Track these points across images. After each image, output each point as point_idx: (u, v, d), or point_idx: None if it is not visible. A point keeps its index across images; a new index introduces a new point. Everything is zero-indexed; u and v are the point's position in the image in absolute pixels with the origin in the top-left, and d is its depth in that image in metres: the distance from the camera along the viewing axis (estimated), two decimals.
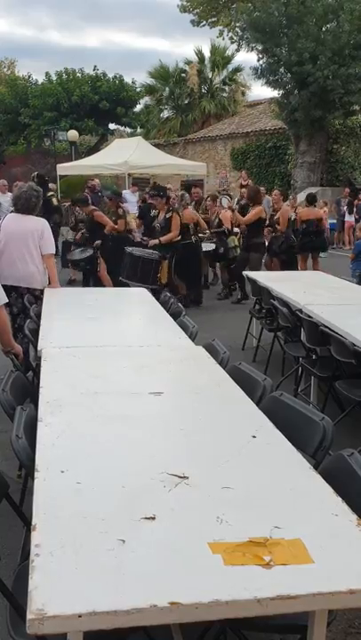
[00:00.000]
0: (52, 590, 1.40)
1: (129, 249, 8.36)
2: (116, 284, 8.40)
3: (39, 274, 5.25)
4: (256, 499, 1.88)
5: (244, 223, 9.15)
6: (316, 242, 10.66)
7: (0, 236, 5.10)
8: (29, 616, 1.33)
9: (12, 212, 5.60)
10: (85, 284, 8.94)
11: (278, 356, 5.92)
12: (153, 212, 10.24)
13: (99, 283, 8.64)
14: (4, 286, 5.03)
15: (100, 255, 8.73)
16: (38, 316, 4.43)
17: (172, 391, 2.90)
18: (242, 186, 15.34)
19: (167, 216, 8.38)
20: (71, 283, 10.02)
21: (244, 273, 7.44)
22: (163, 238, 8.24)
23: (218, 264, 10.43)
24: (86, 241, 9.10)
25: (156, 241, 8.28)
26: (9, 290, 5.04)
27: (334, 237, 17.03)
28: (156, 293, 7.50)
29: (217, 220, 10.01)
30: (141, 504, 1.79)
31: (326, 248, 11.88)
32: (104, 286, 8.38)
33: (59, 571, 1.47)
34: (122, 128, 30.76)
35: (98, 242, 8.77)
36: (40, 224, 5.25)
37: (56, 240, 6.95)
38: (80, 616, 1.34)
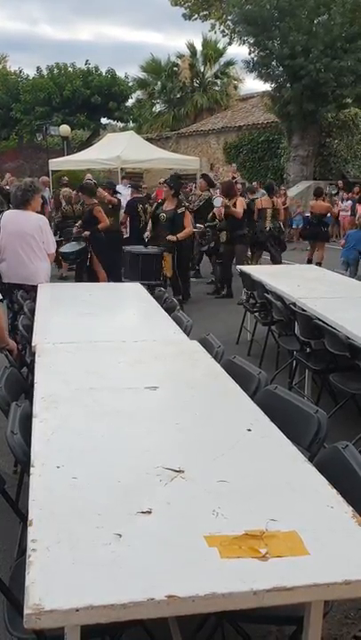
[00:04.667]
0: (49, 585, 1.40)
1: (127, 248, 8.30)
2: (110, 279, 8.38)
3: (44, 271, 5.27)
4: (252, 492, 1.88)
5: (240, 216, 9.19)
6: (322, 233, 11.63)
7: (0, 234, 5.11)
8: (26, 611, 1.33)
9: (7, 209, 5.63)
10: (78, 279, 8.86)
11: (273, 350, 5.94)
12: (140, 206, 10.22)
13: (93, 277, 8.57)
14: (9, 284, 5.07)
15: (91, 249, 8.67)
16: (32, 311, 4.42)
17: (167, 386, 2.90)
18: (232, 178, 15.33)
19: (178, 211, 8.24)
20: (62, 279, 10.00)
21: (238, 267, 7.43)
22: (180, 235, 8.08)
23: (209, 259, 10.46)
24: (81, 235, 9.05)
25: (174, 238, 8.08)
26: (13, 288, 5.07)
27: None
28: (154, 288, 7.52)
29: (210, 215, 10.00)
30: (137, 498, 1.79)
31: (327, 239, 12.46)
32: (98, 281, 8.33)
33: (55, 565, 1.48)
34: (114, 122, 30.61)
35: (87, 232, 8.71)
36: (40, 221, 5.27)
37: None
38: (77, 610, 1.34)
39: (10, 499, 2.41)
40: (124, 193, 14.23)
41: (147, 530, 1.64)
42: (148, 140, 22.15)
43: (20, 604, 1.56)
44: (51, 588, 1.39)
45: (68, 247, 8.81)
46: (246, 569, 1.50)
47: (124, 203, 12.36)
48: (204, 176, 11.36)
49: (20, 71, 30.21)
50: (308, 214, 11.94)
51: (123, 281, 7.99)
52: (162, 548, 1.57)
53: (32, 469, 1.97)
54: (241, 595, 1.42)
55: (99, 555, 1.53)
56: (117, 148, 16.88)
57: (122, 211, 10.28)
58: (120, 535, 1.60)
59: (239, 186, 12.21)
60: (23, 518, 2.26)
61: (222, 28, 24.76)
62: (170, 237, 8.13)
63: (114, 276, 8.60)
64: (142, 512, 1.72)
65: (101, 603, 1.35)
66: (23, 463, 2.26)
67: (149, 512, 1.72)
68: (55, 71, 27.99)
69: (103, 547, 1.56)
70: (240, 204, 9.25)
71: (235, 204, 9.25)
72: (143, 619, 1.52)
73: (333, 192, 17.07)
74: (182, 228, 8.21)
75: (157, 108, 31.25)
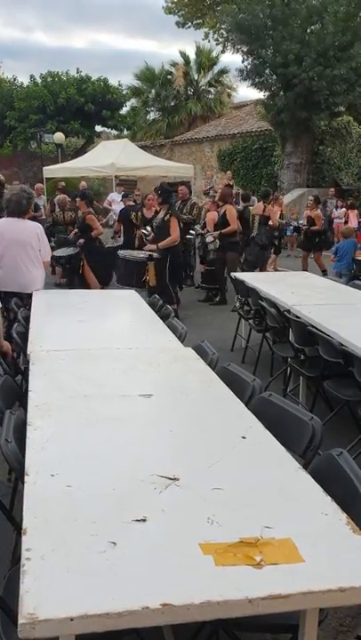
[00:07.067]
0: (44, 594, 1.40)
1: (121, 252, 8.36)
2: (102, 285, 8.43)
3: (41, 278, 5.28)
4: (246, 499, 1.88)
5: (237, 229, 9.23)
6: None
7: None
8: (21, 620, 1.33)
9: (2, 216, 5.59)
10: (69, 285, 8.89)
11: (267, 357, 5.94)
12: (133, 214, 10.26)
13: (84, 284, 8.60)
14: (5, 292, 5.07)
15: (83, 256, 8.71)
16: (26, 319, 4.41)
17: (161, 393, 2.90)
18: (227, 186, 15.40)
19: (165, 218, 8.21)
20: (58, 285, 10.02)
21: (233, 274, 7.44)
22: (161, 244, 8.04)
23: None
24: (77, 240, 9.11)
25: (154, 246, 8.13)
26: (9, 296, 5.06)
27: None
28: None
29: (203, 222, 10.05)
30: (132, 506, 1.79)
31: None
32: (89, 287, 8.35)
33: (50, 574, 1.47)
34: (108, 130, 30.69)
35: (81, 241, 8.77)
36: (37, 229, 5.28)
37: None
38: (72, 619, 1.34)
39: (4, 507, 2.40)
40: (119, 200, 14.32)
41: (141, 538, 1.64)
42: (143, 147, 22.22)
43: (14, 613, 1.56)
44: (45, 597, 1.39)
45: (60, 252, 8.89)
46: (241, 576, 1.50)
47: (117, 209, 12.40)
48: (184, 184, 11.47)
49: (15, 79, 30.29)
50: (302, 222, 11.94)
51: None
52: (156, 555, 1.56)
53: (26, 477, 1.96)
54: (236, 602, 1.42)
55: (93, 563, 1.52)
56: (112, 156, 16.93)
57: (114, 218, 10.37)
58: (115, 543, 1.60)
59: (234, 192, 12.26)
60: (17, 527, 2.24)
61: (216, 36, 24.90)
62: (149, 246, 8.19)
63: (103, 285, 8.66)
64: (137, 520, 1.72)
65: (96, 611, 1.35)
66: (17, 471, 2.25)
67: (144, 520, 1.72)
68: (49, 79, 28.06)
69: (98, 555, 1.55)
70: (230, 215, 9.22)
71: (224, 214, 9.28)
72: (138, 627, 1.52)
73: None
74: (168, 235, 8.17)
75: (151, 115, 31.39)
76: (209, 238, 9.53)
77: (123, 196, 12.42)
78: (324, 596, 1.47)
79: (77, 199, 9.35)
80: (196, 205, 10.58)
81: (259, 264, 10.06)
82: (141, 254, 8.21)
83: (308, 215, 11.65)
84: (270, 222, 10.20)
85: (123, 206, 13.51)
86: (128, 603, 1.38)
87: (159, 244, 8.06)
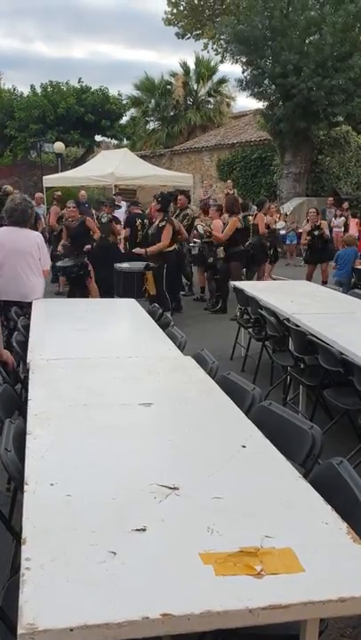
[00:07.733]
0: (43, 604, 1.39)
1: (116, 265, 8.41)
2: (103, 294, 8.40)
3: (41, 287, 5.30)
4: (247, 508, 1.88)
5: (223, 239, 9.26)
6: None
7: None
8: (20, 631, 1.32)
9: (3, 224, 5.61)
10: (71, 294, 8.85)
11: (267, 366, 5.94)
12: (138, 221, 10.34)
13: (85, 293, 8.57)
14: (5, 301, 5.08)
15: (90, 263, 8.71)
16: (26, 328, 4.41)
17: (161, 402, 2.90)
18: (227, 194, 15.46)
19: (160, 225, 8.38)
20: (58, 294, 10.02)
21: (232, 283, 7.46)
22: (150, 249, 8.29)
23: (206, 273, 10.48)
24: (69, 251, 9.08)
25: (142, 251, 8.31)
26: (9, 305, 5.07)
27: None
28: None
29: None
30: (132, 515, 1.79)
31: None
32: (90, 296, 8.34)
33: (49, 584, 1.46)
34: (108, 140, 30.83)
35: (88, 246, 8.77)
36: (38, 238, 5.31)
37: None
38: (72, 629, 1.33)
39: (3, 516, 2.39)
40: (120, 209, 14.39)
41: (141, 547, 1.64)
42: (142, 157, 22.29)
43: (13, 623, 1.55)
44: (45, 607, 1.38)
45: (62, 262, 8.80)
46: (241, 586, 1.49)
47: (120, 217, 12.49)
48: (183, 193, 11.52)
49: (15, 89, 30.46)
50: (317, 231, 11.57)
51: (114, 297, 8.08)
52: (156, 565, 1.56)
53: (26, 487, 1.95)
54: (236, 612, 1.42)
55: (93, 573, 1.52)
56: (111, 165, 16.98)
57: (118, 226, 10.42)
58: (114, 553, 1.59)
59: None
60: (17, 536, 2.24)
61: (215, 47, 25.05)
62: (136, 250, 8.35)
63: (110, 292, 8.63)
64: (137, 529, 1.71)
65: (96, 622, 1.34)
66: (17, 480, 2.24)
67: (144, 529, 1.71)
68: (49, 89, 28.22)
69: (98, 564, 1.55)
70: (232, 226, 9.29)
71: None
72: (138, 637, 1.51)
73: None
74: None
75: (151, 125, 31.54)
76: (200, 228, 9.59)
77: (131, 204, 12.57)
78: (324, 606, 1.46)
79: (71, 207, 9.35)
80: (188, 216, 10.65)
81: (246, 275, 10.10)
82: (138, 265, 8.28)
83: (316, 224, 11.55)
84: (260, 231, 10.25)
85: (123, 214, 13.64)
86: (128, 613, 1.37)
87: (148, 250, 8.29)
